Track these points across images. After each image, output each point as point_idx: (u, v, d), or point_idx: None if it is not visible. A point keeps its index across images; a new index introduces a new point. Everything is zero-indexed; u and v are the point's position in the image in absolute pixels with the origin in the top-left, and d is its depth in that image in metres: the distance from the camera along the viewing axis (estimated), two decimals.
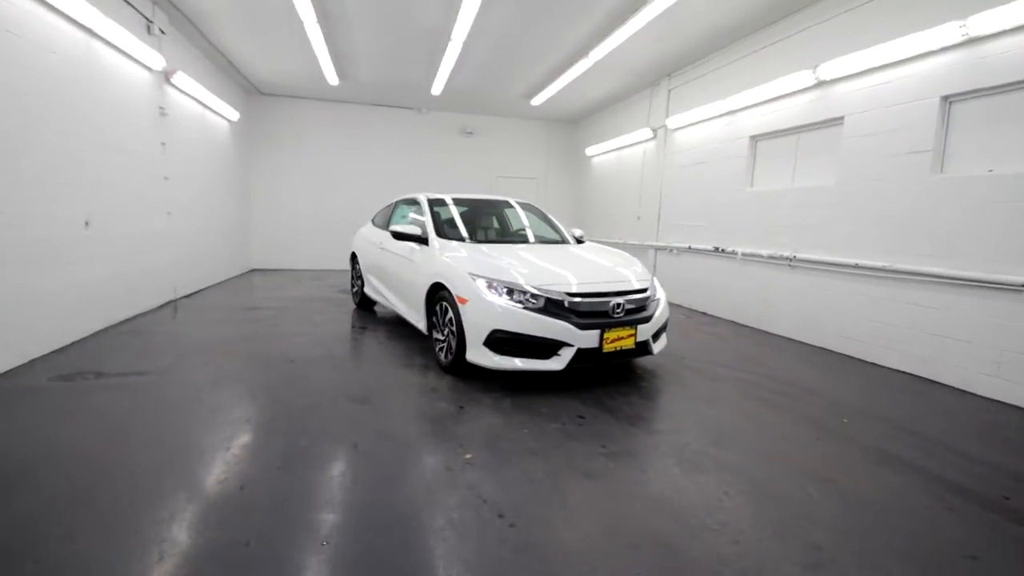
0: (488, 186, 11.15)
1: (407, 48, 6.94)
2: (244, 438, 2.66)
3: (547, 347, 3.35)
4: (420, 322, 4.30)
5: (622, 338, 3.49)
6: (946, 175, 4.08)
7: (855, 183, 4.78)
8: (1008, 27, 3.57)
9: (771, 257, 5.73)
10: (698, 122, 7.05)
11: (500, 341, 3.35)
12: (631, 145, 9.01)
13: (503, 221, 5.23)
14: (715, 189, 6.75)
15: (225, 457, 2.44)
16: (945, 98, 4.05)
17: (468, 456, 2.53)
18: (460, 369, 3.70)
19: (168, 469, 2.31)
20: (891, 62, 4.39)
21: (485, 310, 3.39)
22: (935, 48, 4.04)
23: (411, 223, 4.83)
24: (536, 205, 5.60)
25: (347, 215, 10.44)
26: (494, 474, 2.37)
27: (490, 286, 3.45)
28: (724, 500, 2.22)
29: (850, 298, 4.82)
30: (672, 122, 7.53)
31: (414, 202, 5.16)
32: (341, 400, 3.27)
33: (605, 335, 3.40)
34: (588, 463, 2.52)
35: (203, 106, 7.17)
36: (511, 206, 5.29)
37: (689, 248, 7.19)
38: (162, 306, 5.95)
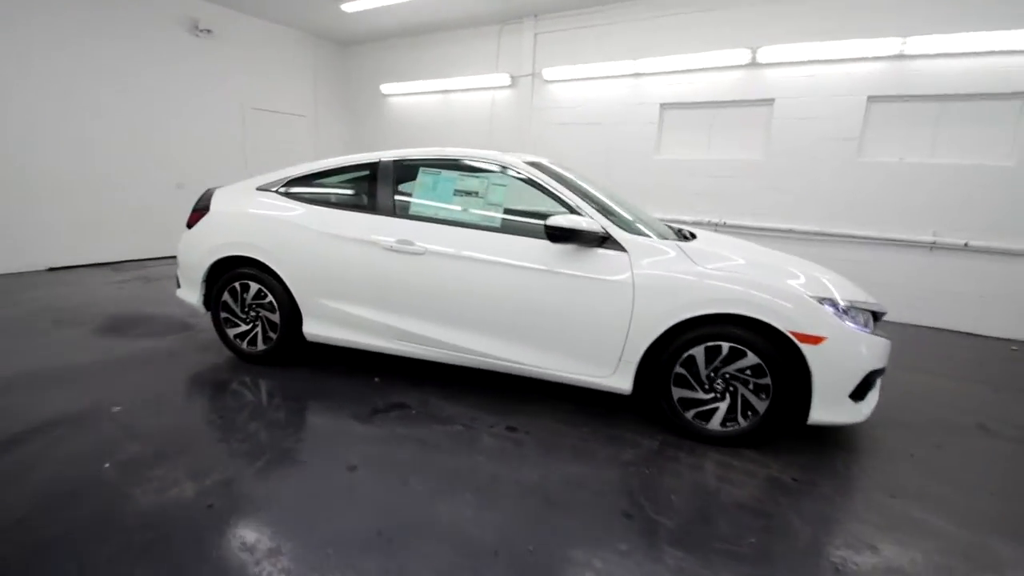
0: (237, 121, 7.41)
1: None
2: None
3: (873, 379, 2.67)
4: (612, 378, 2.62)
5: None
6: (864, 159, 5.32)
7: (786, 159, 5.63)
8: (930, 52, 4.81)
9: (695, 223, 6.19)
10: (590, 78, 6.60)
11: (864, 385, 2.44)
12: (470, 90, 7.67)
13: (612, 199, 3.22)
14: (615, 153, 6.62)
15: None
16: (870, 97, 5.18)
17: None
18: (756, 437, 2.52)
19: None
20: (829, 59, 5.22)
21: (853, 347, 2.38)
22: (870, 56, 5.05)
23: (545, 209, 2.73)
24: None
25: None
26: None
27: (837, 310, 2.42)
28: None
29: None
30: (550, 73, 6.79)
31: (477, 169, 2.92)
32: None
33: None
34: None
35: None
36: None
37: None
38: None
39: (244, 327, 3.30)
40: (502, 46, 7.25)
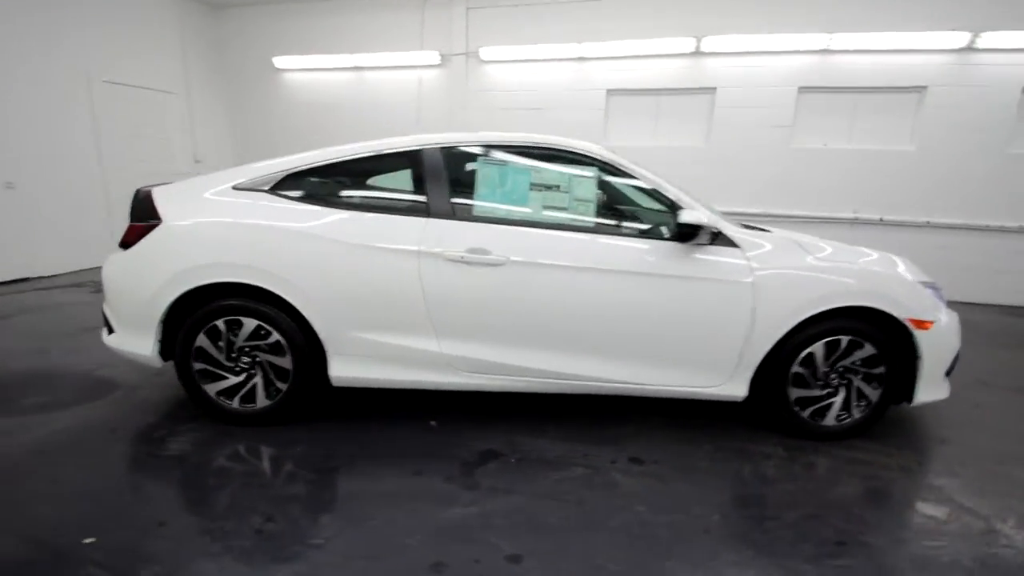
0: (82, 98, 5.64)
1: None
2: None
3: None
4: (726, 386, 2.40)
5: None
6: (795, 145, 5.82)
7: (727, 146, 5.94)
8: (851, 48, 5.37)
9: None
10: (533, 60, 6.25)
11: (954, 362, 2.55)
12: (392, 68, 6.82)
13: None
14: None
15: None
16: (800, 88, 5.65)
17: None
18: (866, 427, 2.51)
19: None
20: (766, 51, 5.57)
21: (948, 327, 2.46)
22: (802, 49, 5.48)
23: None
24: None
25: None
26: None
27: (935, 292, 2.50)
28: None
29: None
30: (488, 53, 6.30)
31: (555, 156, 2.45)
32: None
33: None
34: None
35: None
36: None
37: None
38: None
39: (233, 379, 2.41)
40: (427, 19, 6.53)
